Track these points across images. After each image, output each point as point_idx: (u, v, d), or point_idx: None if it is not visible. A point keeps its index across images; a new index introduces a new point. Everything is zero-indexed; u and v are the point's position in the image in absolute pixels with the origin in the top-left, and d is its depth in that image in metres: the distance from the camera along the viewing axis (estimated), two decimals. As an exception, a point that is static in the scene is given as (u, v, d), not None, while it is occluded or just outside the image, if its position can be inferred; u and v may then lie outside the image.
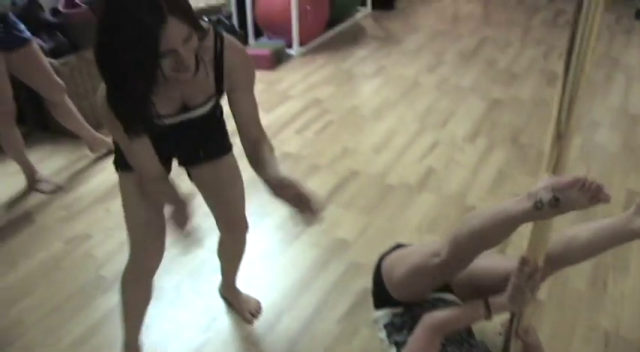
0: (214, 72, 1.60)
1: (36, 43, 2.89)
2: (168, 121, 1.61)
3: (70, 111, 3.16)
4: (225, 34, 1.60)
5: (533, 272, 1.54)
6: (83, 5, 3.56)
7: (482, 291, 1.73)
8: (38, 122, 3.67)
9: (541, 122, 3.70)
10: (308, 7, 4.85)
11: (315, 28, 5.13)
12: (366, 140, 3.56)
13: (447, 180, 3.13)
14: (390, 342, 1.79)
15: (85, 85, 3.56)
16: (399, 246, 1.93)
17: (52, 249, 2.67)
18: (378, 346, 1.90)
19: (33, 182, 3.13)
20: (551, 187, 1.36)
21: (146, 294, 1.98)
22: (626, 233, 1.64)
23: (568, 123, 1.37)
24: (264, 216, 2.84)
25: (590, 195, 1.33)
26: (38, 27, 3.40)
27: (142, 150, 1.58)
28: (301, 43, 4.96)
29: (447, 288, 1.85)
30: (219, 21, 4.54)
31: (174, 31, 1.31)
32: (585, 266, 2.47)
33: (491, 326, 1.88)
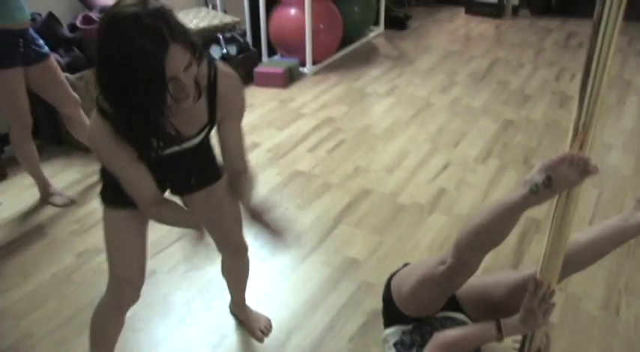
0: (208, 100, 1.57)
1: (54, 58, 2.93)
2: (164, 152, 1.56)
3: (84, 124, 3.18)
4: (218, 62, 1.58)
5: (546, 295, 1.53)
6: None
7: (492, 305, 1.74)
8: (52, 136, 3.71)
9: (553, 143, 3.69)
10: (321, 26, 4.89)
11: (329, 47, 5.17)
12: (378, 159, 3.56)
13: (458, 200, 3.13)
14: (399, 361, 1.78)
15: (100, 100, 3.59)
16: (407, 265, 1.94)
17: (64, 262, 2.68)
18: (388, 366, 1.89)
19: (46, 195, 3.15)
20: (543, 168, 1.41)
21: (121, 324, 1.95)
22: (628, 229, 1.66)
23: (584, 145, 1.37)
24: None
25: (580, 169, 1.36)
26: (56, 42, 3.45)
27: (142, 176, 1.54)
28: (314, 62, 4.99)
29: (457, 308, 1.85)
30: (233, 38, 4.58)
31: (176, 58, 1.28)
32: (598, 291, 2.45)
33: (503, 347, 1.87)
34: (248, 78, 4.69)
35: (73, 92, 3.06)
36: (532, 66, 5.12)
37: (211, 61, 1.54)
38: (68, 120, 3.15)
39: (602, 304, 2.40)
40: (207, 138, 1.73)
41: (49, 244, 2.82)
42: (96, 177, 3.37)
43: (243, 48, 4.65)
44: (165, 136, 1.45)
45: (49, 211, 3.08)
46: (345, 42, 5.43)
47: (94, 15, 3.63)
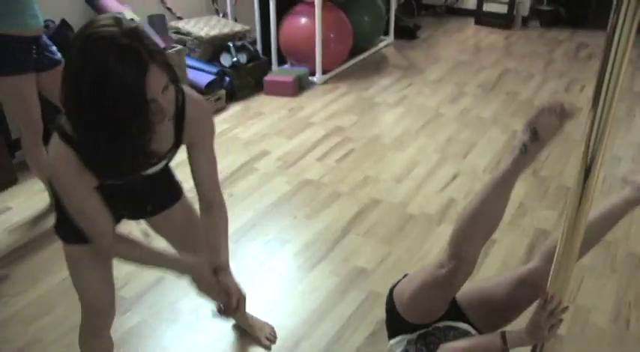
0: (175, 124, 1.52)
1: (66, 65, 2.95)
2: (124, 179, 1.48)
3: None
4: (186, 87, 1.54)
5: (555, 311, 1.52)
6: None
7: (494, 307, 1.76)
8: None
9: (562, 155, 3.68)
10: (332, 36, 4.91)
11: (338, 56, 5.19)
12: (387, 169, 3.56)
13: (467, 211, 3.12)
14: (405, 371, 1.78)
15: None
16: (407, 276, 1.94)
17: (73, 268, 2.69)
18: (396, 377, 1.88)
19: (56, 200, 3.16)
20: (525, 127, 1.52)
21: (110, 343, 1.96)
22: (622, 203, 1.73)
23: (596, 158, 1.36)
24: (284, 242, 2.85)
25: (558, 113, 1.48)
26: (69, 49, 3.47)
27: (100, 209, 1.46)
28: (324, 71, 5.01)
29: (459, 316, 1.84)
30: (243, 47, 4.60)
31: (155, 80, 1.24)
32: (607, 304, 2.44)
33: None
34: (258, 86, 4.71)
35: (84, 98, 3.07)
36: (542, 77, 5.12)
37: (178, 85, 1.45)
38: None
39: (611, 317, 2.39)
40: (169, 163, 1.68)
41: (59, 249, 2.79)
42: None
43: (253, 56, 4.67)
44: (142, 159, 1.40)
45: (58, 217, 3.09)
46: (354, 51, 5.44)
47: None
